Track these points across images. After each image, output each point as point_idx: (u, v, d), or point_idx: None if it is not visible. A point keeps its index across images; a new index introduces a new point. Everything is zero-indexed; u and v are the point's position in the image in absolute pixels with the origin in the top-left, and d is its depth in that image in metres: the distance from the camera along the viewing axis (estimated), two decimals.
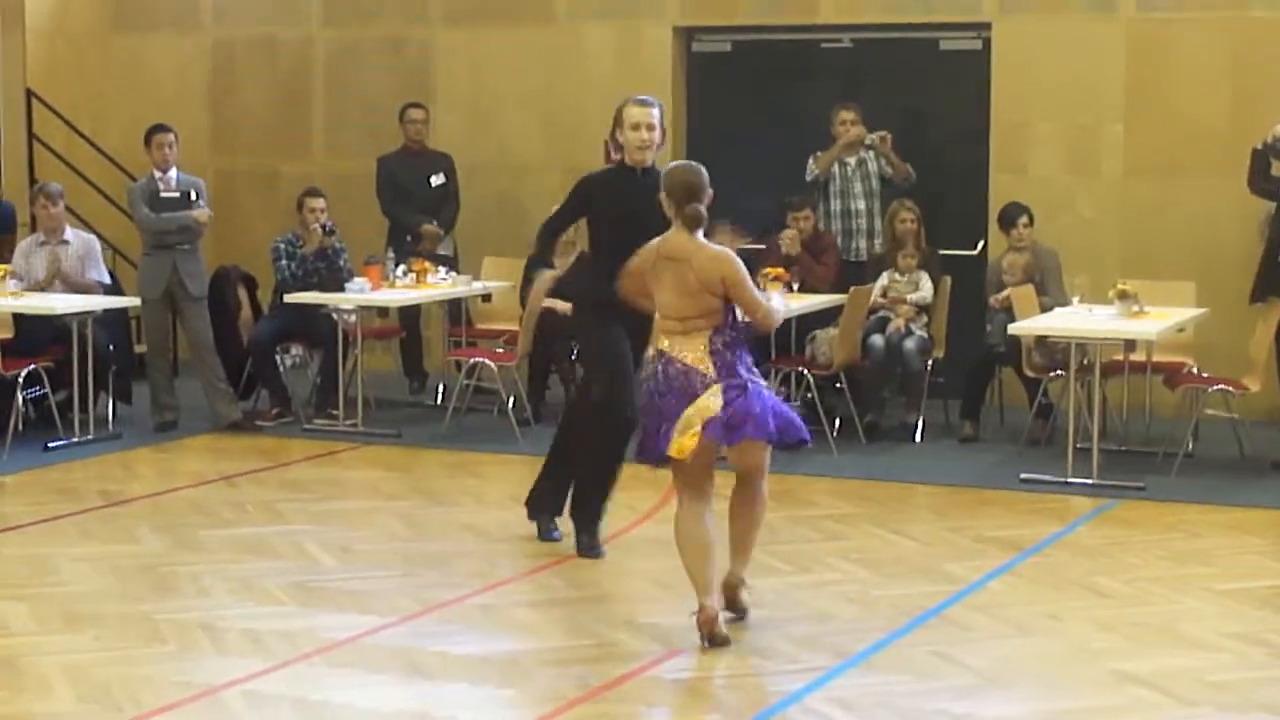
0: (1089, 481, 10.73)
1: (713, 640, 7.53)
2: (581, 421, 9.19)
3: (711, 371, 7.57)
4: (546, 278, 9.57)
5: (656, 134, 8.84)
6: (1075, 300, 11.68)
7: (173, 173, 12.57)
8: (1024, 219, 12.19)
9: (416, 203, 13.96)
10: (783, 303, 8.41)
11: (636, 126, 8.82)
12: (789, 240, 12.35)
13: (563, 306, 12.75)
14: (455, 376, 12.95)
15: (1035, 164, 13.29)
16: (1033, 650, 7.67)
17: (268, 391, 12.98)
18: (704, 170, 7.82)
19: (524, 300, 12.63)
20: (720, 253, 7.67)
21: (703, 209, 7.70)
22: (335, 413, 12.60)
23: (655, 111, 8.89)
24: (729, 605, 7.86)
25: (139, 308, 12.80)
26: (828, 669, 7.31)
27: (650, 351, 7.82)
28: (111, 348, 12.51)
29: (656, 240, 7.82)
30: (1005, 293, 11.97)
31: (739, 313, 7.71)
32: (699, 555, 7.64)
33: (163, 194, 12.50)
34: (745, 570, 7.95)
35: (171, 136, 12.56)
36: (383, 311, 13.74)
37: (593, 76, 14.41)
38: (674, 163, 8.08)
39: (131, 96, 15.92)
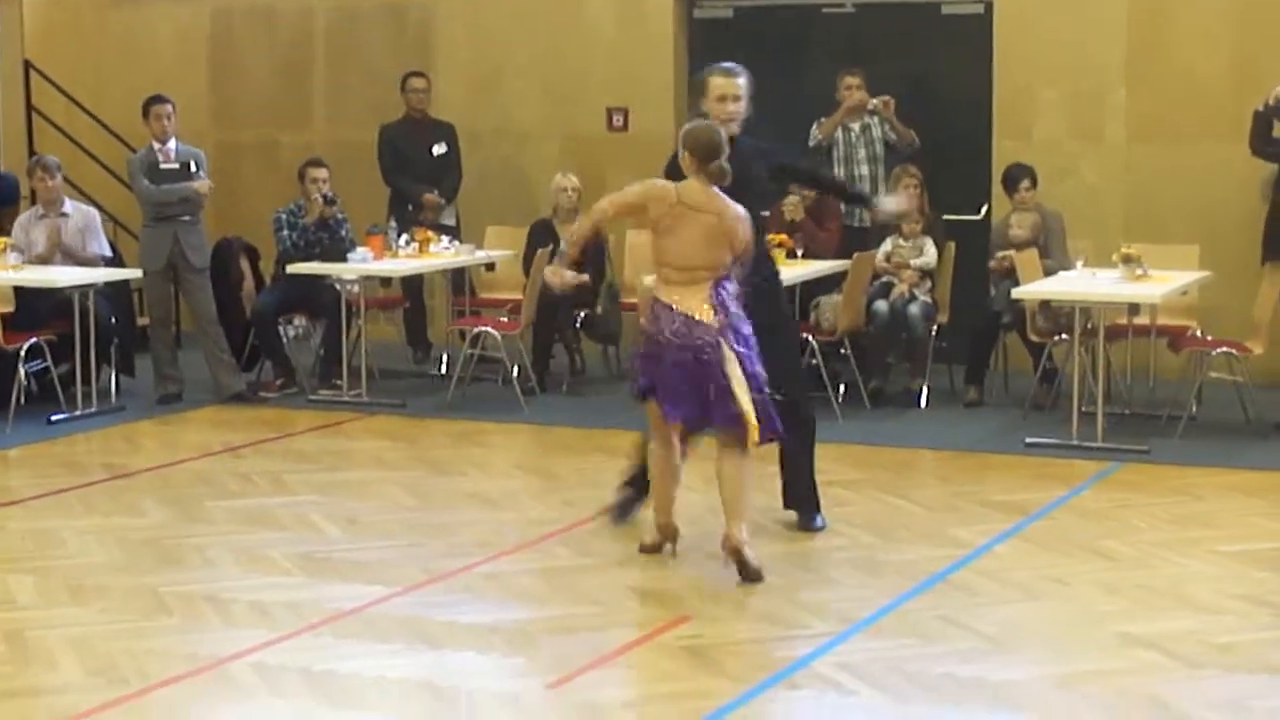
0: (1094, 445, 10.72)
1: (645, 547, 8.45)
2: None
3: (713, 320, 7.93)
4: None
5: (742, 104, 8.69)
6: (1079, 264, 11.66)
7: (172, 144, 12.55)
8: (1026, 181, 12.16)
9: (418, 172, 13.94)
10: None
11: (722, 98, 8.67)
12: (792, 206, 12.33)
13: (568, 276, 12.78)
14: (459, 346, 12.94)
15: (1039, 129, 13.27)
16: (1039, 614, 7.68)
17: (271, 362, 12.98)
18: (722, 130, 8.17)
19: (528, 268, 12.64)
20: (741, 210, 8.08)
21: (727, 165, 8.02)
22: (339, 383, 12.59)
23: (741, 81, 8.75)
24: (739, 569, 7.98)
25: (141, 280, 12.79)
26: (835, 634, 7.32)
27: (650, 300, 8.14)
28: (114, 320, 12.48)
29: (672, 185, 8.13)
30: (1006, 253, 11.96)
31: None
32: (661, 476, 8.34)
33: (162, 165, 12.48)
34: (742, 530, 8.01)
35: (170, 107, 12.53)
36: (386, 281, 13.72)
37: (594, 43, 14.39)
38: (693, 122, 8.32)
39: (130, 67, 15.89)
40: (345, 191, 13.30)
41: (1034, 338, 11.86)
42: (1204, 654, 7.05)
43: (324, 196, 12.77)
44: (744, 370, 7.94)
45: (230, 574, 8.30)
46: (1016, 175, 12.21)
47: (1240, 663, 6.97)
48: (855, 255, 12.01)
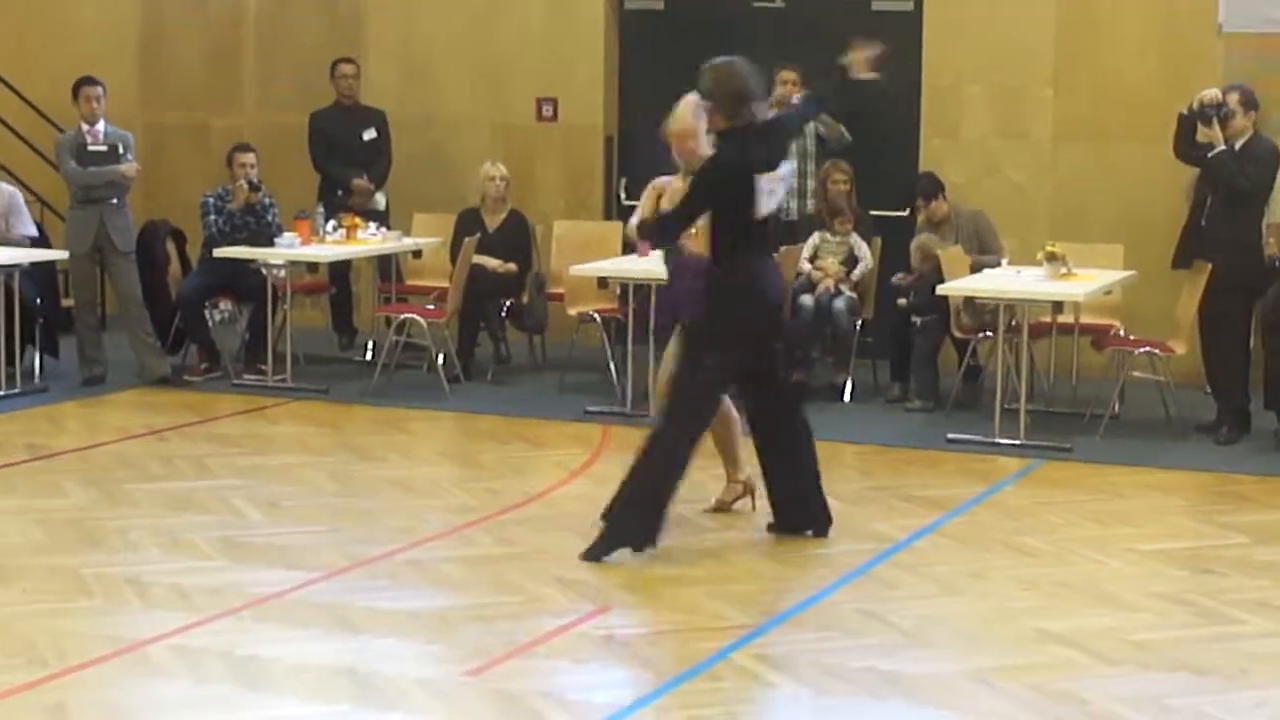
0: (1015, 442, 10.79)
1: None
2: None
3: None
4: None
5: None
6: (1004, 262, 11.73)
7: (100, 126, 12.47)
8: (939, 194, 12.23)
9: (348, 158, 13.90)
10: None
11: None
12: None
13: (493, 264, 12.80)
14: (385, 332, 12.91)
15: (966, 126, 13.33)
16: (957, 609, 7.73)
17: (196, 346, 12.92)
18: None
19: (455, 256, 12.63)
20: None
21: None
22: (264, 368, 12.55)
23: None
24: None
25: (66, 261, 12.72)
26: (755, 626, 7.35)
27: None
28: (39, 301, 12.43)
29: None
30: (907, 276, 12.09)
31: None
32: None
33: (90, 147, 12.40)
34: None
35: (99, 89, 12.46)
36: (312, 267, 13.64)
37: (524, 32, 14.38)
38: None
39: (60, 48, 15.76)
40: (274, 176, 13.25)
41: (958, 334, 11.91)
42: (1120, 651, 7.11)
43: (249, 182, 12.70)
44: None
45: (151, 557, 8.27)
46: (924, 190, 12.28)
47: (1156, 660, 7.03)
48: (782, 249, 12.02)
